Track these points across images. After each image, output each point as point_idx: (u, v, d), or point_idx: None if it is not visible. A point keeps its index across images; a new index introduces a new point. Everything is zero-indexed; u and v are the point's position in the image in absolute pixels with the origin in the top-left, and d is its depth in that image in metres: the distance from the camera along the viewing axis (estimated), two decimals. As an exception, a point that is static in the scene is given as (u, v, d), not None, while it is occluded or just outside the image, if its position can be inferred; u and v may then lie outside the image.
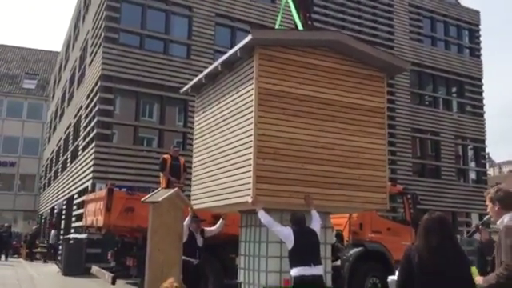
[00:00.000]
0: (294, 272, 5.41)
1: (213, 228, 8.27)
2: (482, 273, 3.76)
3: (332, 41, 6.85)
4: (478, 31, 26.11)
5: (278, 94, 6.38)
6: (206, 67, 18.48)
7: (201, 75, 7.85)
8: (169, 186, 9.39)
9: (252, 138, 6.16)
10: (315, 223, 5.89)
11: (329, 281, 6.73)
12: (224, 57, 7.00)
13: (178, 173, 10.25)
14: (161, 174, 10.40)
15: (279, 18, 9.55)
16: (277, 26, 9.61)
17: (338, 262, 8.77)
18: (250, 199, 5.95)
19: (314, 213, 6.02)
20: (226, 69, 7.09)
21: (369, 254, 10.58)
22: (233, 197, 6.50)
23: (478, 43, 26.00)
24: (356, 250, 10.33)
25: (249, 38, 6.27)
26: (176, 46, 19.28)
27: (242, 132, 6.47)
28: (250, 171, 6.11)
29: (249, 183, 6.09)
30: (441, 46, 24.76)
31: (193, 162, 8.15)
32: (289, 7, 8.55)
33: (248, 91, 6.43)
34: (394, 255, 10.45)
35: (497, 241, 3.51)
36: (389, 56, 7.77)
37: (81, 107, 21.68)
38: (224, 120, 7.07)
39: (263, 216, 5.78)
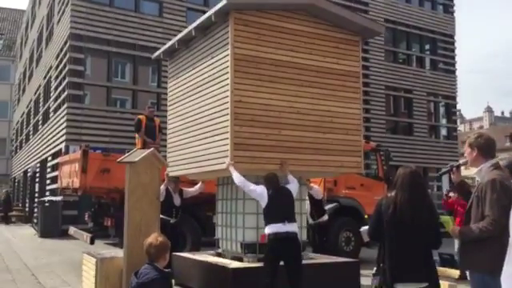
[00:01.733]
0: (268, 229, 5.50)
1: (192, 189, 8.33)
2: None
3: (307, 4, 6.75)
4: (452, -13, 26.12)
5: (253, 60, 6.28)
6: (179, 26, 18.21)
7: (173, 40, 7.65)
8: (144, 146, 9.35)
9: (228, 104, 6.10)
10: (292, 185, 5.97)
11: (304, 235, 6.92)
12: (198, 21, 6.83)
13: (154, 133, 10.19)
14: (136, 135, 10.32)
15: None
16: None
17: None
18: (225, 164, 5.97)
19: (290, 176, 6.09)
20: (199, 33, 6.93)
21: (343, 209, 10.89)
22: (210, 164, 6.52)
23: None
24: (331, 205, 10.61)
25: (223, 2, 6.13)
26: (147, 3, 18.73)
27: (218, 99, 6.39)
28: (227, 138, 6.08)
29: (226, 150, 6.08)
30: (415, 2, 24.71)
31: (167, 129, 8.08)
32: None
33: (223, 57, 6.31)
34: (366, 210, 10.76)
35: (476, 192, 3.40)
36: (364, 19, 7.69)
37: (50, 68, 21.08)
38: (199, 86, 6.96)
39: (236, 177, 5.83)
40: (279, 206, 5.59)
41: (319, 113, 6.70)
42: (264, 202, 5.61)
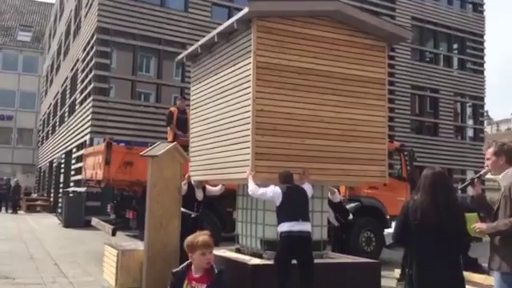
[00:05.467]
0: (282, 227, 5.44)
1: (214, 189, 8.30)
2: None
3: (332, 11, 6.61)
4: (482, -15, 25.55)
5: (276, 68, 6.18)
6: (204, 21, 18.28)
7: (196, 45, 7.60)
8: (175, 139, 9.30)
9: (250, 113, 6.01)
10: (306, 187, 5.85)
11: (324, 234, 6.85)
12: (220, 28, 6.75)
13: (185, 126, 10.01)
14: (168, 128, 10.29)
15: None
16: None
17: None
18: (245, 174, 5.91)
19: (307, 183, 5.97)
20: (222, 39, 6.86)
21: (364, 208, 10.78)
22: (231, 172, 6.48)
23: (482, -2, 25.49)
24: (352, 205, 10.50)
25: (246, 10, 6.05)
26: (173, -3, 18.86)
27: (239, 107, 6.32)
28: (248, 147, 6.01)
29: (247, 160, 6.01)
30: (443, 1, 24.26)
31: (190, 133, 8.07)
32: None
33: (245, 65, 6.23)
34: (389, 210, 10.64)
35: (504, 192, 3.48)
36: (391, 25, 7.49)
37: (77, 60, 21.41)
38: (221, 93, 6.90)
39: (250, 187, 5.72)
40: (294, 205, 5.51)
41: (343, 121, 6.55)
42: (279, 199, 5.52)
